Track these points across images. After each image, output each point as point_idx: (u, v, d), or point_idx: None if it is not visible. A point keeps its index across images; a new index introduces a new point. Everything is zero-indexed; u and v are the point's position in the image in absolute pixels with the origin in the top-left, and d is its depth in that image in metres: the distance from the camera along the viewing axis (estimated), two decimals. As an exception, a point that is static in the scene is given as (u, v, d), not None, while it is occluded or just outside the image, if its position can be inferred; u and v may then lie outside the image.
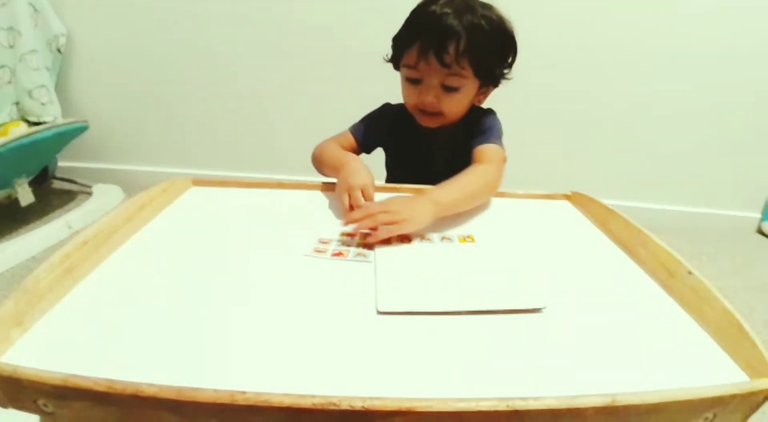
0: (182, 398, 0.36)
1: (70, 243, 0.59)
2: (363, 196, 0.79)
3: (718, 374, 0.46)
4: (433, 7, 0.89)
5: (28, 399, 0.40)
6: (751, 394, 0.42)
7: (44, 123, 1.85)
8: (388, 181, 1.13)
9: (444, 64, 0.88)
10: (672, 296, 0.60)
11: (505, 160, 0.96)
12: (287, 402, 0.36)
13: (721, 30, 1.91)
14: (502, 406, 0.37)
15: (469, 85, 0.94)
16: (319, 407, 0.36)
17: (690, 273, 0.60)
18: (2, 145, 1.55)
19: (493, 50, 0.93)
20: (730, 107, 2.03)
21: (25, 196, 1.80)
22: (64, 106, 2.06)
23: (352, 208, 0.78)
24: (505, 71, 0.99)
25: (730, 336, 0.50)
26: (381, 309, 0.53)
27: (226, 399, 0.36)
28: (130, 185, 2.09)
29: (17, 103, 1.93)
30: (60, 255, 0.56)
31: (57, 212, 1.93)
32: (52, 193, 2.09)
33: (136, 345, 0.46)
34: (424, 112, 0.96)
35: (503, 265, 0.66)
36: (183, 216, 0.78)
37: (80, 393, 0.38)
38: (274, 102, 2.15)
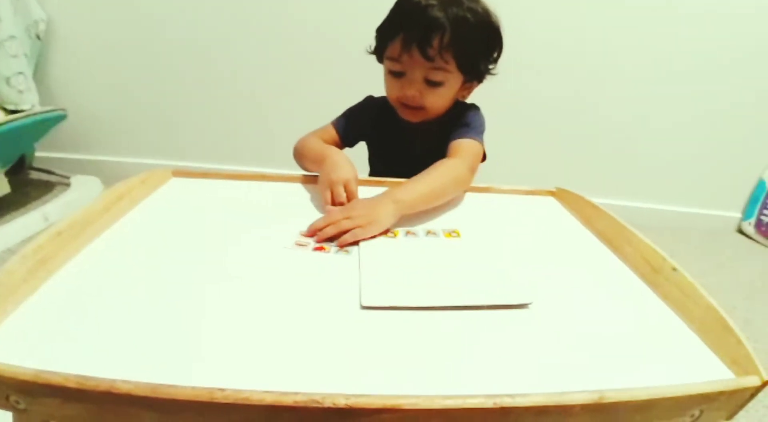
0: (158, 395, 0.35)
1: (44, 235, 0.57)
2: (345, 190, 0.78)
3: (704, 371, 0.46)
4: None
5: (0, 395, 0.38)
6: (737, 391, 0.42)
7: (21, 111, 1.80)
8: (370, 174, 1.12)
9: (427, 58, 0.86)
10: (657, 293, 0.60)
11: (481, 155, 0.95)
12: (268, 399, 0.35)
13: (708, 32, 1.92)
14: (489, 403, 0.36)
15: (452, 80, 0.92)
16: (302, 404, 0.35)
17: (675, 269, 0.60)
18: (-23, 133, 1.51)
19: (478, 44, 0.91)
20: (711, 108, 2.05)
21: (1, 186, 1.76)
22: (43, 94, 2.01)
23: (334, 203, 0.77)
24: (491, 67, 0.98)
25: (715, 333, 0.50)
26: (365, 304, 0.52)
27: (204, 397, 0.35)
28: (110, 177, 2.04)
29: (-6, 91, 1.88)
30: (33, 247, 0.54)
31: (34, 203, 1.88)
32: (29, 184, 2.04)
33: (112, 339, 0.44)
34: (406, 105, 0.95)
35: (489, 261, 0.65)
36: (162, 208, 0.76)
37: (51, 390, 0.37)
38: (259, 94, 2.13)
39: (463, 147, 0.92)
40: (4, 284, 0.48)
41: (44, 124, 1.83)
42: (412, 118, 0.97)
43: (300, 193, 0.86)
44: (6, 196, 1.78)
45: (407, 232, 0.72)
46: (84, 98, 2.15)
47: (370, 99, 1.09)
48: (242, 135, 2.21)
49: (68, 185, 2.02)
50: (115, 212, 0.70)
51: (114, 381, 0.36)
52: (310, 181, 0.89)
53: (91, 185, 2.03)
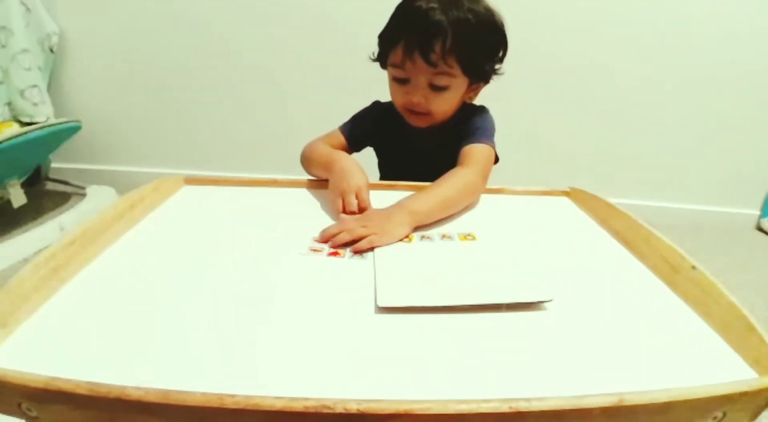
0: (168, 401, 0.35)
1: (57, 243, 0.57)
2: (357, 198, 0.77)
3: (726, 371, 0.45)
4: (418, 3, 0.85)
5: (12, 403, 0.38)
6: (760, 391, 0.41)
7: (37, 123, 1.82)
8: (381, 179, 1.11)
9: (430, 63, 0.85)
10: (676, 292, 0.59)
11: (493, 159, 0.94)
12: (278, 405, 0.34)
13: (721, 29, 1.90)
14: (504, 408, 0.35)
15: (457, 83, 0.91)
16: (312, 410, 0.34)
17: (694, 268, 0.58)
18: (-7, 145, 1.53)
19: (481, 46, 0.89)
20: (729, 105, 2.02)
21: (18, 197, 1.78)
22: (57, 106, 2.04)
23: (345, 212, 0.76)
24: (496, 67, 0.96)
25: (737, 332, 0.49)
26: (381, 305, 0.51)
27: (214, 403, 0.34)
28: (125, 186, 2.01)
29: (9, 104, 1.91)
30: (45, 255, 0.54)
31: (50, 214, 1.91)
32: (45, 195, 2.06)
33: (124, 346, 0.44)
34: (412, 111, 0.94)
35: (506, 261, 0.64)
36: (174, 215, 0.76)
37: (63, 397, 0.37)
38: (270, 100, 2.14)
39: (474, 153, 0.90)
40: (16, 292, 0.48)
41: (59, 136, 1.85)
42: (420, 123, 0.96)
43: (313, 198, 0.86)
44: (23, 207, 1.80)
45: (422, 237, 0.71)
46: (98, 109, 2.18)
47: (377, 104, 1.08)
48: (256, 142, 2.23)
49: (84, 195, 2.04)
50: (127, 220, 0.70)
51: (125, 387, 0.36)
52: (322, 186, 0.88)
53: (106, 195, 2.05)
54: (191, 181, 0.89)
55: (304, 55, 2.05)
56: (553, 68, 1.99)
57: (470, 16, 0.85)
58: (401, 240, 0.69)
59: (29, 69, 1.91)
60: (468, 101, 1.00)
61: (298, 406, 0.34)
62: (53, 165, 2.14)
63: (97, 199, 2.00)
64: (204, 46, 2.06)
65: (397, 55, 0.88)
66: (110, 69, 2.12)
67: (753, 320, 0.48)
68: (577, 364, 0.44)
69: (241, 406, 0.34)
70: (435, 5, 0.84)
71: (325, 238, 0.67)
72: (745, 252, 1.98)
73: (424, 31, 0.83)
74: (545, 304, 0.53)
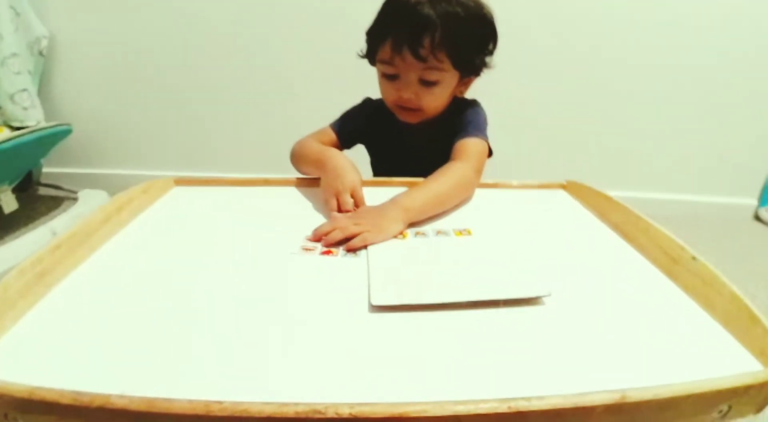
0: (153, 410, 0.33)
1: (43, 248, 0.56)
2: (352, 197, 0.76)
3: (730, 363, 0.44)
4: None
5: (-2, 413, 0.37)
6: (766, 384, 0.40)
7: (27, 127, 1.80)
8: (373, 177, 1.10)
9: (420, 58, 0.83)
10: (677, 283, 0.58)
11: (486, 153, 0.93)
12: (267, 411, 0.33)
13: (719, 17, 1.89)
14: (503, 408, 0.34)
15: (448, 78, 0.89)
16: (303, 416, 0.33)
17: (694, 258, 0.58)
18: (-17, 151, 1.51)
19: (471, 39, 0.88)
20: (725, 95, 2.01)
21: (9, 202, 1.76)
22: (47, 110, 2.02)
23: (340, 211, 0.74)
24: (487, 59, 0.94)
25: (741, 322, 0.48)
26: (374, 303, 0.50)
27: (200, 410, 0.33)
28: (118, 190, 1.94)
29: (-1, 108, 1.89)
30: (31, 260, 0.53)
31: (42, 219, 1.88)
32: (36, 200, 2.04)
33: (111, 353, 0.43)
34: (403, 108, 0.93)
35: (502, 256, 0.63)
36: (164, 217, 0.75)
37: (47, 407, 0.35)
38: (262, 100, 2.12)
39: (467, 148, 0.89)
40: (1, 299, 0.47)
41: (50, 140, 1.83)
42: (411, 119, 0.94)
43: (305, 196, 0.84)
44: (14, 213, 1.78)
45: (417, 233, 0.70)
46: (89, 112, 2.16)
47: (368, 101, 1.07)
48: (252, 142, 2.20)
49: (76, 199, 2.01)
50: (115, 223, 0.69)
51: (109, 396, 0.35)
52: (314, 184, 0.87)
53: (98, 199, 2.02)
54: (182, 182, 0.88)
55: (293, 53, 2.03)
56: (548, 61, 1.98)
57: (459, 9, 0.83)
58: (395, 237, 0.68)
59: (19, 73, 1.89)
60: (459, 95, 0.99)
61: (288, 412, 0.33)
62: (45, 169, 2.12)
63: (90, 203, 1.98)
64: (193, 48, 2.04)
65: (385, 51, 0.87)
66: (101, 72, 2.10)
67: (757, 310, 0.47)
68: (578, 360, 0.43)
69: (228, 413, 0.33)
70: None
71: (318, 237, 0.66)
72: (744, 243, 1.97)
73: (412, 26, 0.82)
74: (543, 299, 0.52)
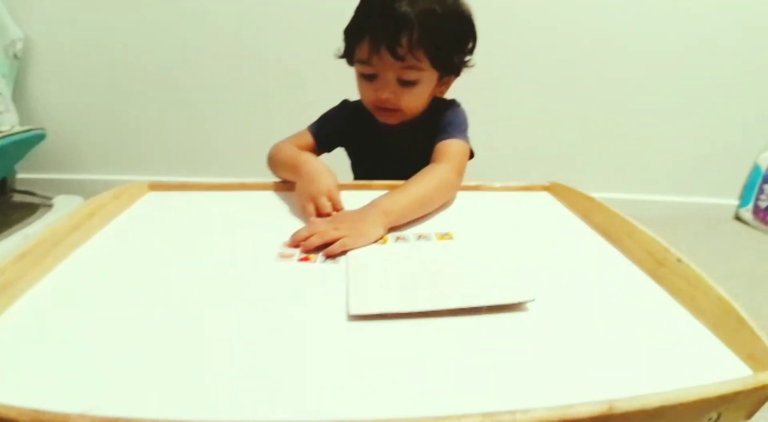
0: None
1: (6, 257, 0.53)
2: (329, 200, 0.74)
3: (719, 369, 0.43)
4: None
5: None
6: (756, 389, 0.39)
7: (0, 132, 1.75)
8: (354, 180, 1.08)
9: (398, 57, 0.82)
10: (662, 286, 0.57)
11: (468, 154, 0.92)
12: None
13: (697, 20, 1.91)
14: (486, 422, 0.33)
15: (427, 77, 0.88)
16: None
17: (680, 260, 0.57)
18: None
19: (449, 38, 0.87)
20: (702, 96, 2.03)
21: (-18, 209, 1.72)
22: (22, 115, 1.97)
23: (319, 215, 0.73)
24: (466, 59, 0.93)
25: (728, 326, 0.47)
26: (353, 312, 0.48)
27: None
28: (94, 196, 1.98)
29: (-29, 113, 1.84)
30: (-7, 271, 0.50)
31: (16, 226, 1.83)
32: (10, 207, 1.99)
33: (76, 370, 0.40)
34: (382, 108, 0.91)
35: (485, 261, 0.61)
36: (137, 223, 0.72)
37: (4, 427, 0.33)
38: (242, 104, 2.10)
39: (448, 149, 0.88)
40: (-42, 313, 0.44)
41: (24, 144, 1.79)
42: (390, 120, 0.93)
43: (283, 201, 0.82)
44: (-12, 220, 1.74)
45: (397, 238, 0.68)
46: (64, 117, 2.11)
47: (346, 102, 1.05)
48: (229, 148, 2.17)
49: (51, 206, 1.97)
50: (85, 230, 0.66)
51: (69, 415, 0.33)
52: (292, 188, 0.84)
53: (74, 205, 1.97)
54: (156, 186, 0.85)
55: (269, 55, 2.00)
56: (531, 63, 1.98)
57: (437, 7, 0.82)
58: (375, 241, 0.66)
59: (-7, 76, 1.85)
60: (439, 95, 0.97)
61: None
62: (19, 175, 2.06)
63: (65, 210, 1.93)
64: (168, 52, 2.01)
65: (363, 50, 0.85)
66: (76, 76, 2.06)
67: (744, 313, 0.46)
68: (563, 369, 0.42)
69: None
70: None
71: (295, 242, 0.64)
72: (726, 242, 1.99)
73: (390, 24, 0.80)
74: (527, 305, 0.51)
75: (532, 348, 0.45)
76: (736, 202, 2.23)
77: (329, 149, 1.03)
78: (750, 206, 2.16)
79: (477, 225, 0.75)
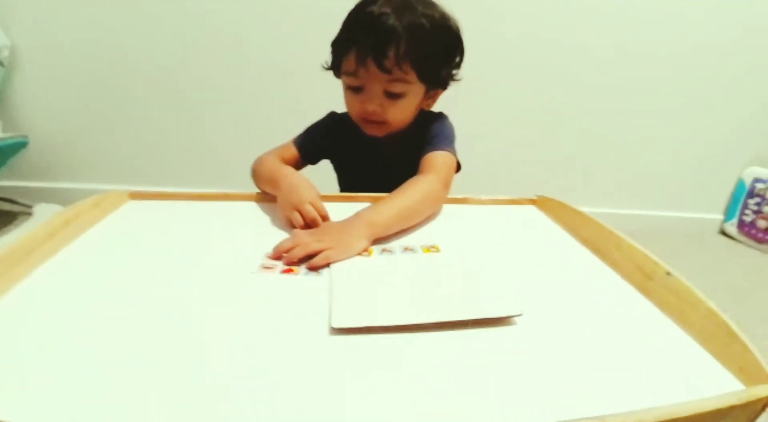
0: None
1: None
2: (314, 208, 0.73)
3: (710, 383, 0.42)
4: (371, 8, 0.82)
5: None
6: (749, 404, 0.38)
7: (-18, 139, 1.73)
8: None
9: (385, 70, 0.81)
10: (651, 300, 0.56)
11: (454, 166, 0.91)
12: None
13: (682, 40, 1.94)
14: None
15: (414, 90, 0.88)
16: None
17: (669, 274, 0.56)
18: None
19: (436, 51, 0.87)
20: (686, 111, 2.06)
21: (-40, 218, 1.68)
22: (5, 121, 1.95)
23: (305, 221, 0.71)
24: (453, 72, 0.93)
25: (718, 340, 0.47)
26: (335, 326, 0.46)
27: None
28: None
29: (-45, 118, 1.81)
30: (-40, 282, 0.48)
31: (-5, 235, 1.80)
32: (-11, 215, 1.95)
33: (44, 386, 0.38)
34: (368, 121, 0.90)
35: (472, 274, 0.60)
36: (115, 233, 0.70)
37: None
38: (225, 116, 2.08)
39: (434, 161, 0.87)
40: None
41: (5, 152, 1.76)
42: (377, 132, 0.92)
43: (265, 211, 0.81)
44: (-35, 229, 1.70)
45: (383, 250, 0.67)
46: (47, 125, 2.08)
47: (332, 114, 1.04)
48: (212, 158, 2.15)
49: (31, 214, 1.93)
50: (60, 239, 0.64)
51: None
52: (275, 199, 0.83)
53: (54, 214, 1.93)
54: (137, 195, 0.83)
55: (256, 68, 2.00)
56: (517, 77, 1.99)
57: (424, 21, 0.82)
58: (359, 254, 0.64)
59: (-24, 83, 1.82)
60: (426, 108, 0.97)
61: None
62: (-1, 183, 2.04)
63: (45, 218, 1.89)
64: (153, 62, 1.99)
65: (350, 62, 0.84)
66: (60, 84, 2.03)
67: (735, 326, 0.46)
68: (552, 385, 0.40)
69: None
70: (388, 10, 0.80)
71: (278, 254, 0.62)
72: (712, 256, 2.00)
73: (377, 37, 0.80)
74: (515, 319, 0.50)
75: (521, 363, 0.43)
76: (720, 216, 2.25)
77: (314, 162, 1.02)
78: (735, 220, 2.18)
79: (464, 238, 0.74)
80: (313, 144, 1.00)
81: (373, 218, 0.69)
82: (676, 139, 2.10)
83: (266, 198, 0.85)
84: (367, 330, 0.46)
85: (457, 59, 0.92)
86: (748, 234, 2.13)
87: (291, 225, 0.73)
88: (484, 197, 0.90)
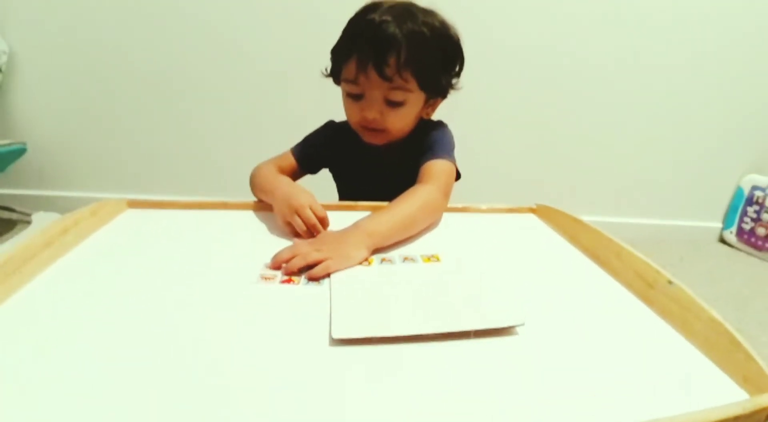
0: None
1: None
2: (314, 213, 0.73)
3: (714, 392, 0.42)
4: (371, 15, 0.82)
5: None
6: (754, 413, 0.38)
7: (-20, 146, 1.73)
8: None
9: (385, 78, 0.81)
10: (653, 309, 0.56)
11: (454, 175, 0.91)
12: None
13: (678, 44, 1.94)
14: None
15: (414, 99, 0.87)
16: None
17: (671, 282, 0.56)
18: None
19: (437, 59, 0.87)
20: (685, 119, 2.06)
21: (-42, 226, 1.67)
22: (3, 128, 1.95)
23: (308, 230, 0.71)
24: (453, 81, 0.93)
25: (722, 348, 0.46)
26: (336, 336, 0.46)
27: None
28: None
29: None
30: (-45, 291, 0.48)
31: (-7, 244, 1.79)
32: (-13, 223, 1.95)
33: (49, 392, 0.38)
34: (368, 128, 0.90)
35: (473, 284, 0.60)
36: (113, 242, 0.70)
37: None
38: (223, 125, 2.08)
39: (434, 170, 0.86)
40: None
41: (4, 158, 1.76)
42: (376, 140, 0.92)
43: (264, 221, 0.80)
44: (-37, 237, 1.70)
45: (383, 260, 0.66)
46: (46, 132, 2.08)
47: (330, 123, 1.04)
48: (209, 164, 2.16)
49: (29, 222, 1.93)
50: (57, 248, 0.64)
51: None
52: (273, 207, 0.83)
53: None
54: (135, 204, 0.83)
55: (254, 76, 2.00)
56: (517, 85, 1.99)
57: (425, 29, 0.82)
58: (359, 264, 0.64)
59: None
60: (426, 117, 0.96)
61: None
62: (-3, 191, 2.04)
63: (43, 226, 1.89)
64: (152, 69, 2.00)
65: (350, 69, 0.84)
66: (59, 90, 2.03)
67: (738, 335, 0.45)
68: (555, 395, 0.40)
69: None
70: (388, 18, 0.80)
71: (277, 264, 0.62)
72: (711, 265, 2.00)
73: (377, 44, 0.80)
74: (517, 329, 0.49)
75: (523, 373, 0.43)
76: (719, 224, 2.25)
77: (313, 171, 1.02)
78: (734, 228, 2.18)
79: (464, 247, 0.73)
80: (311, 153, 1.00)
81: (372, 228, 0.69)
82: (675, 147, 2.10)
83: (265, 207, 0.85)
84: (367, 341, 0.46)
85: (458, 68, 0.92)
86: (748, 242, 2.13)
87: (290, 232, 0.73)
88: (483, 206, 0.90)
